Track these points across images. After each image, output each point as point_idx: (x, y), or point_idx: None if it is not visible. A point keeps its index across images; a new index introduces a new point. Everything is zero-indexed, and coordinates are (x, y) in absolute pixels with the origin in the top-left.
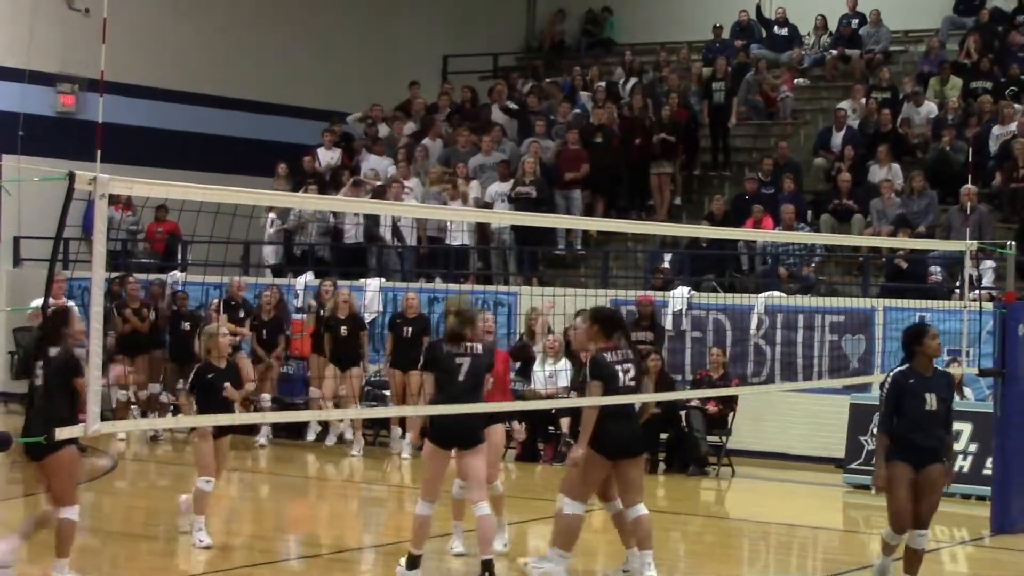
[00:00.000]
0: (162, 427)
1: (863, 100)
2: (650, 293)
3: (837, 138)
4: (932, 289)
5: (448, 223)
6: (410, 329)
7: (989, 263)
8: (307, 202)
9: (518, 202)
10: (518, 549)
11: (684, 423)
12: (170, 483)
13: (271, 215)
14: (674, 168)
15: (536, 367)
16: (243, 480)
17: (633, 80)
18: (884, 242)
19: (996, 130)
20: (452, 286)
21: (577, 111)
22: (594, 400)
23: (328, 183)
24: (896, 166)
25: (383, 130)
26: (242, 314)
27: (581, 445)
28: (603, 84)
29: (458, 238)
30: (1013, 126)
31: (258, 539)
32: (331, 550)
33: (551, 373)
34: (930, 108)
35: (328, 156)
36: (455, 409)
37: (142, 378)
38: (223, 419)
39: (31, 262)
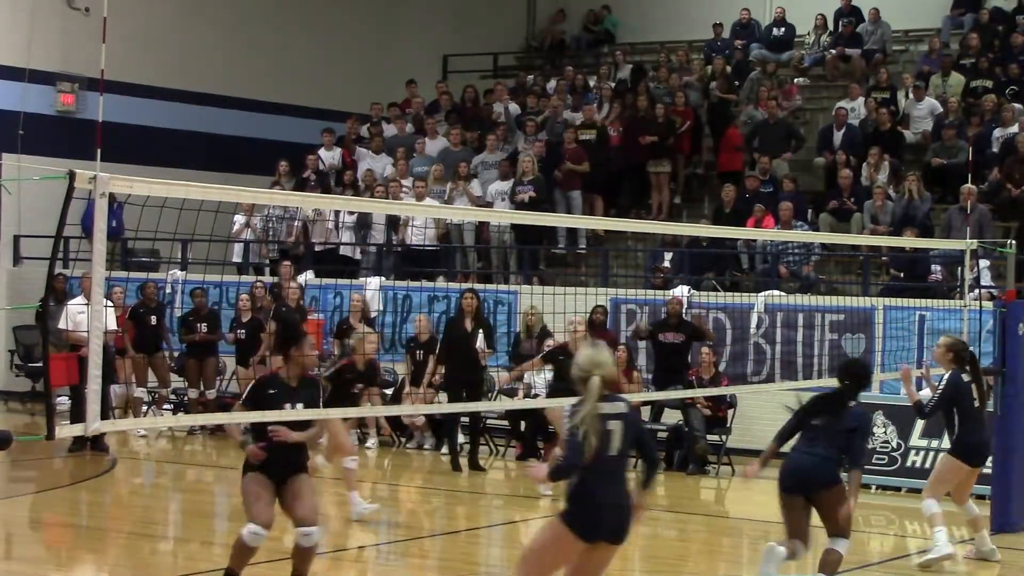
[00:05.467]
0: (163, 426)
1: (861, 99)
2: (676, 293)
3: (838, 137)
4: (932, 288)
5: (411, 222)
6: (422, 352)
7: (985, 262)
8: (307, 201)
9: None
10: (514, 545)
11: (683, 422)
12: (170, 481)
13: (238, 217)
14: (675, 167)
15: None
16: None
17: (629, 72)
18: (884, 241)
19: (997, 132)
20: (452, 285)
21: (571, 114)
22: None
23: (332, 183)
24: (887, 167)
25: (389, 130)
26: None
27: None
28: (611, 84)
29: (419, 237)
30: (1014, 126)
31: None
32: (331, 548)
33: (550, 379)
34: (932, 104)
35: (329, 156)
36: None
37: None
38: (222, 418)
39: (31, 261)
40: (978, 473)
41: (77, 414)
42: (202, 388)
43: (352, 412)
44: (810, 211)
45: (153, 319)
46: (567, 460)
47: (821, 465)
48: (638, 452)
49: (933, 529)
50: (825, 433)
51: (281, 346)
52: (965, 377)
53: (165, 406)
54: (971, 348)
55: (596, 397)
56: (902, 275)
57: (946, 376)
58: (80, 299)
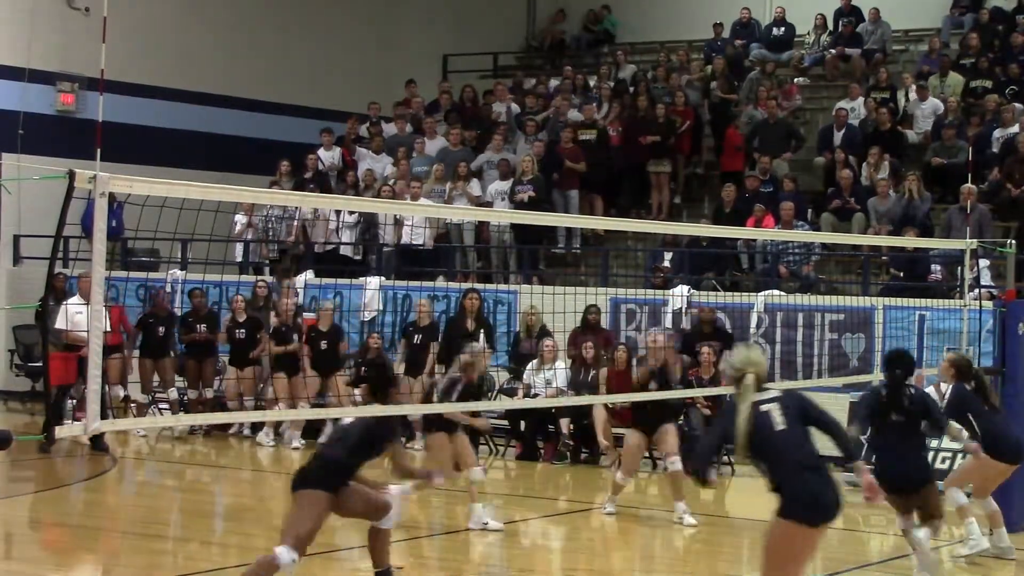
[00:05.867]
0: (162, 426)
1: (861, 99)
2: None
3: (838, 137)
4: (932, 288)
5: (406, 221)
6: (420, 336)
7: (985, 262)
8: (307, 201)
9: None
10: (514, 545)
11: (683, 422)
12: (171, 482)
13: (239, 216)
14: (675, 167)
15: (531, 368)
16: (243, 479)
17: (630, 73)
18: (884, 241)
19: (997, 132)
20: (452, 285)
21: (576, 113)
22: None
23: (331, 182)
24: (887, 167)
25: (388, 130)
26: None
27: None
28: (611, 84)
29: (418, 237)
30: (1015, 127)
31: (258, 537)
32: (331, 548)
33: (550, 379)
34: (935, 104)
35: (328, 156)
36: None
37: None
38: (221, 417)
39: (31, 260)
40: (1009, 471)
41: (57, 413)
42: (201, 388)
43: (350, 411)
44: (810, 211)
45: (161, 330)
46: (697, 461)
47: (914, 465)
48: (816, 426)
49: (964, 520)
50: (902, 431)
51: (381, 390)
52: (968, 387)
53: (163, 406)
54: (976, 368)
55: (752, 393)
56: (902, 275)
57: (950, 387)
58: (76, 299)
